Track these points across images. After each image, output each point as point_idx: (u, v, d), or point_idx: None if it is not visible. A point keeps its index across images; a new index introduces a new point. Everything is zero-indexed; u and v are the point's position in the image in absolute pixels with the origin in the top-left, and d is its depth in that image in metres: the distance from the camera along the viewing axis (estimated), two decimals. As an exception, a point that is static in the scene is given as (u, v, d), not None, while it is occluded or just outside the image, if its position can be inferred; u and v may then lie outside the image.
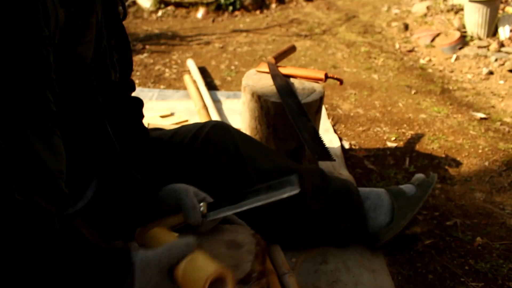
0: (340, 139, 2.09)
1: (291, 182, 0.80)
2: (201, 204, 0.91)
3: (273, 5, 4.31)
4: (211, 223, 0.92)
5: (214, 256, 0.86)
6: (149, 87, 2.66)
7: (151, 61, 3.03)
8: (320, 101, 1.64)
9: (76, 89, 0.84)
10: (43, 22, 0.68)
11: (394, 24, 3.77)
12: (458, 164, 1.94)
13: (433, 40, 3.33)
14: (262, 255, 0.88)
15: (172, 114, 2.25)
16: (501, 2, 3.37)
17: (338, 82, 1.71)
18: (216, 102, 2.37)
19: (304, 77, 1.72)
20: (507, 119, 2.32)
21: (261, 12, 4.17)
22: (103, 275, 0.71)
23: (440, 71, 2.96)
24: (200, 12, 4.05)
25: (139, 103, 1.14)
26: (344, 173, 1.79)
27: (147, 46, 3.29)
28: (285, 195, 0.81)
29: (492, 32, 3.21)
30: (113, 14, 0.96)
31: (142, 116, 1.15)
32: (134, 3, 4.27)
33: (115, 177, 0.97)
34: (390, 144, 2.07)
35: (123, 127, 1.06)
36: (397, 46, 3.39)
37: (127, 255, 0.74)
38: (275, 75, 1.70)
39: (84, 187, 0.99)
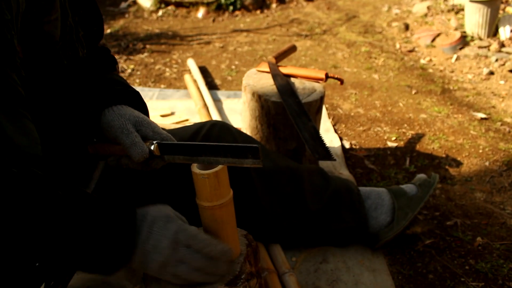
0: (341, 139, 2.09)
1: (254, 154, 0.74)
2: (153, 143, 0.84)
3: (274, 5, 4.31)
4: (161, 162, 0.87)
5: None
6: (149, 86, 2.66)
7: (152, 60, 3.03)
8: (320, 100, 1.64)
9: (47, 69, 0.83)
10: (4, 5, 0.68)
11: (394, 24, 3.77)
12: (458, 164, 1.94)
13: (433, 40, 3.33)
14: (253, 256, 0.87)
15: (172, 114, 2.25)
16: (502, 2, 3.36)
17: (339, 82, 1.71)
18: (217, 101, 2.37)
19: (304, 76, 1.72)
20: (508, 119, 2.32)
21: (262, 12, 4.17)
22: (111, 226, 0.71)
23: (441, 71, 2.96)
24: (201, 12, 4.05)
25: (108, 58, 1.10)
26: (345, 173, 1.79)
27: (148, 46, 3.29)
28: (245, 165, 0.75)
29: (493, 32, 3.21)
30: None
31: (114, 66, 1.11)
32: (135, 2, 4.27)
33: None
34: (390, 144, 2.07)
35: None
36: (397, 46, 3.39)
37: (133, 208, 0.75)
38: (276, 74, 1.70)
39: (87, 179, 1.00)
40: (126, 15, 4.03)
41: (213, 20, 3.94)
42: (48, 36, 0.82)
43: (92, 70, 1.00)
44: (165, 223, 0.74)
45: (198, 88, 2.46)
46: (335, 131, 2.17)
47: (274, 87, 1.65)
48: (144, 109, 0.98)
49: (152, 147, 0.84)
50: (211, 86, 2.66)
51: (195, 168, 0.78)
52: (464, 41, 3.19)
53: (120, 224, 0.72)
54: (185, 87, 2.60)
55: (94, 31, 1.03)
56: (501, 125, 2.26)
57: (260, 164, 0.74)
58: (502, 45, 3.09)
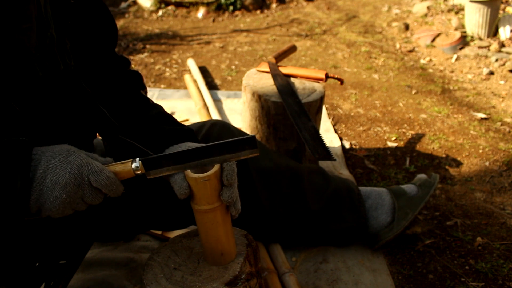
0: (341, 139, 2.09)
1: (251, 144, 0.72)
2: (137, 161, 0.76)
3: (274, 5, 4.31)
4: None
5: (204, 258, 0.86)
6: (149, 86, 2.66)
7: (152, 60, 3.03)
8: (320, 101, 1.64)
9: (21, 79, 0.78)
10: None
11: (394, 24, 3.77)
12: (458, 164, 1.94)
13: (433, 40, 3.33)
14: (253, 256, 0.87)
15: (172, 114, 2.25)
16: (502, 2, 3.36)
17: (339, 82, 1.71)
18: (217, 101, 2.37)
19: (304, 76, 1.72)
20: (508, 119, 2.32)
21: (262, 12, 4.17)
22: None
23: (441, 71, 2.96)
24: (201, 12, 4.05)
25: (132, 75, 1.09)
26: (345, 173, 1.79)
27: (148, 46, 3.29)
28: (242, 157, 0.73)
29: (493, 32, 3.21)
30: (62, 2, 0.89)
31: (138, 88, 1.07)
32: (135, 2, 4.27)
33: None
34: (390, 144, 2.07)
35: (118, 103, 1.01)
36: (397, 46, 3.39)
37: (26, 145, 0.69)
38: (276, 74, 1.70)
39: None
40: (126, 15, 4.03)
41: (213, 20, 3.94)
42: (23, 45, 0.78)
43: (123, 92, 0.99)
44: (66, 157, 0.68)
45: (198, 88, 2.46)
46: (335, 131, 2.17)
47: (274, 87, 1.65)
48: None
49: (133, 165, 0.75)
50: (211, 86, 2.66)
51: (191, 174, 0.77)
52: (464, 41, 3.19)
53: (11, 156, 0.65)
54: (185, 87, 2.60)
55: (91, 40, 0.97)
56: (501, 125, 2.26)
57: (257, 153, 0.73)
58: (502, 45, 3.09)
